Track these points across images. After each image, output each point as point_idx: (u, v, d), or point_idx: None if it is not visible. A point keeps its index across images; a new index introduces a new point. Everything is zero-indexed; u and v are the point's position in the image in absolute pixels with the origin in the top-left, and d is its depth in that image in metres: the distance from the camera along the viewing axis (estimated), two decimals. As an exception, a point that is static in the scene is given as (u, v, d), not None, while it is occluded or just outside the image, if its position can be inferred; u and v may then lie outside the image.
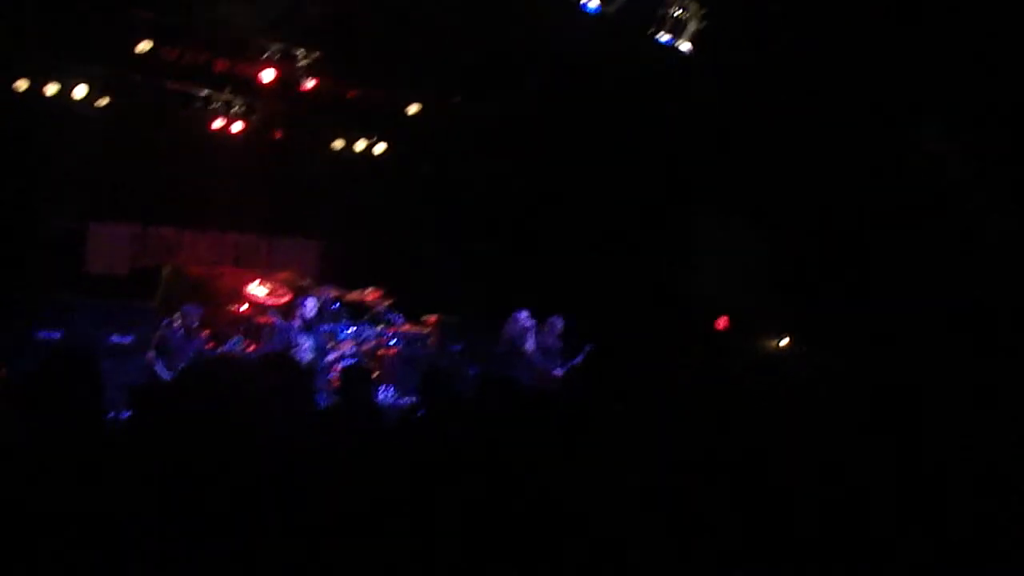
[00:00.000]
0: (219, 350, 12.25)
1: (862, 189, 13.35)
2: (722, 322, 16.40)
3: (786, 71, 13.07)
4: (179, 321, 12.00)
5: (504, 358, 13.44)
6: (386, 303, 14.64)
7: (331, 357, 12.90)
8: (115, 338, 13.26)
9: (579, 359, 13.47)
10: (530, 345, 13.05)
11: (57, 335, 12.85)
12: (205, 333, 13.17)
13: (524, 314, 13.07)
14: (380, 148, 17.36)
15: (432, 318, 15.57)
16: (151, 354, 11.71)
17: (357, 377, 6.89)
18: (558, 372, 13.22)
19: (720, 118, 14.07)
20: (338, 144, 17.18)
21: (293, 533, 3.71)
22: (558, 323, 13.77)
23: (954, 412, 5.12)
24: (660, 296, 15.30)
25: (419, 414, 6.26)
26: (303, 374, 5.62)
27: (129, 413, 6.34)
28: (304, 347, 12.20)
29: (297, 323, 12.57)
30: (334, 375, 12.91)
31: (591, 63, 14.03)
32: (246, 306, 14.36)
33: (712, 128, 14.31)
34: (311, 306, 12.64)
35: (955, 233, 12.44)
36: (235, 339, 12.52)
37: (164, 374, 11.51)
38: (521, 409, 5.65)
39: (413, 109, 16.45)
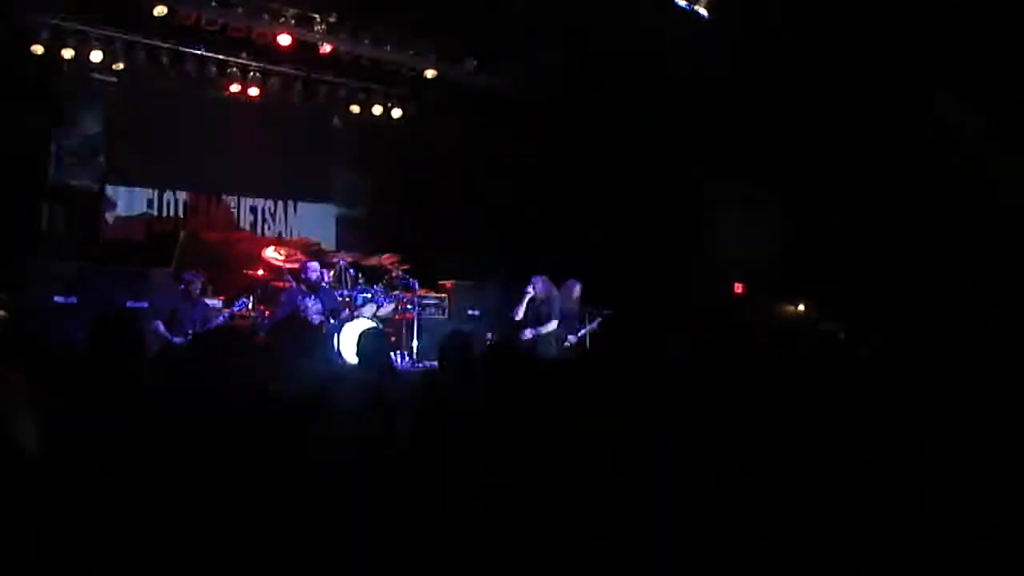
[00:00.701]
0: (226, 312, 12.29)
1: (878, 157, 13.31)
2: (739, 288, 16.40)
3: (803, 37, 13.02)
4: (182, 288, 12.08)
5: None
6: (402, 269, 14.64)
7: (345, 316, 12.93)
8: (131, 303, 13.28)
9: (595, 324, 13.50)
10: (517, 314, 13.06)
11: (73, 300, 12.89)
12: (221, 298, 13.26)
13: (537, 279, 13.07)
14: (397, 113, 17.31)
15: (448, 284, 15.57)
16: (158, 322, 11.79)
17: (374, 339, 6.89)
18: (573, 337, 13.22)
19: (737, 83, 14.02)
20: (355, 109, 17.14)
21: (311, 491, 3.71)
22: (575, 287, 13.76)
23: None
24: (677, 261, 15.28)
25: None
26: (317, 336, 5.61)
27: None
28: (312, 310, 12.22)
29: (302, 287, 12.62)
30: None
31: (608, 29, 13.98)
32: (262, 271, 14.37)
33: (729, 94, 14.26)
34: (313, 269, 12.67)
35: (970, 200, 12.43)
36: (241, 301, 12.54)
37: (172, 340, 11.64)
38: (530, 375, 5.63)
39: (430, 74, 16.40)
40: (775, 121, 14.06)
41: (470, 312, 15.30)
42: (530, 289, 12.83)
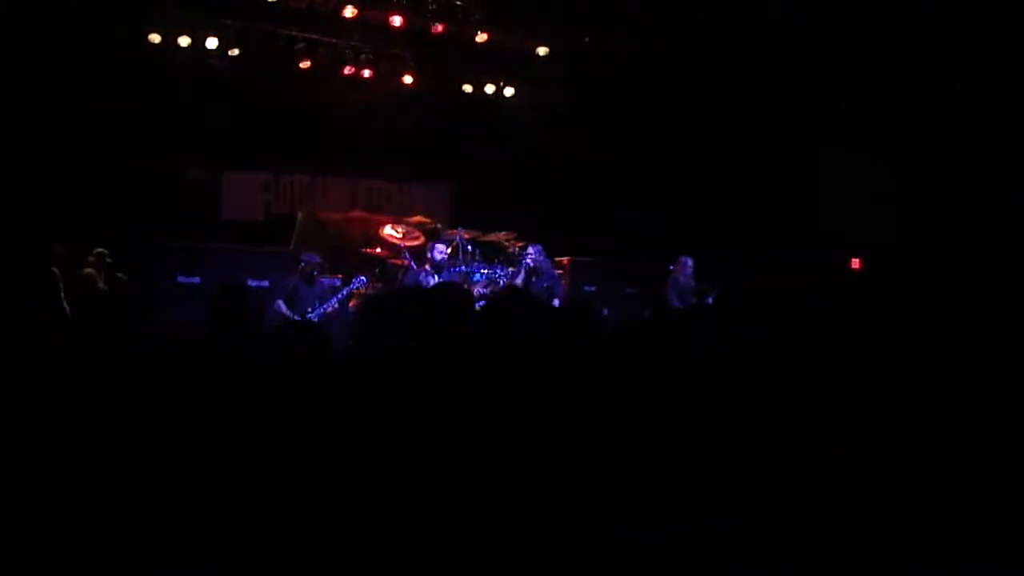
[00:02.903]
0: (344, 290, 12.42)
1: (997, 123, 12.98)
2: (856, 263, 16.16)
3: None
4: (301, 267, 12.23)
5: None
6: (518, 245, 14.65)
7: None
8: (252, 282, 13.49)
9: (711, 298, 13.44)
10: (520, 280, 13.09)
11: (196, 280, 13.15)
12: (339, 276, 13.43)
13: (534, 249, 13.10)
14: (509, 91, 17.33)
15: (565, 260, 15.55)
16: (279, 301, 11.97)
17: (506, 304, 6.82)
18: (692, 313, 13.18)
19: (847, 49, 13.79)
20: (468, 88, 17.20)
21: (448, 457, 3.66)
22: (689, 262, 13.75)
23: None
24: (793, 235, 15.10)
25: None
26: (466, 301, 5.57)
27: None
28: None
29: (426, 267, 12.72)
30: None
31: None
32: (380, 249, 14.49)
33: (840, 62, 14.04)
34: (440, 251, 12.76)
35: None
36: (359, 278, 12.67)
37: (292, 318, 11.81)
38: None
39: (542, 51, 16.38)
40: (892, 87, 13.81)
41: (586, 288, 15.28)
42: (528, 260, 12.87)
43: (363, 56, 16.11)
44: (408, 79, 16.54)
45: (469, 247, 14.30)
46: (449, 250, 13.76)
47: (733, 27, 14.48)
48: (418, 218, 16.00)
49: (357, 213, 16.70)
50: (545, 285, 12.96)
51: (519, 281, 12.97)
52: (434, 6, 15.13)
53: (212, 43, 15.05)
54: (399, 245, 14.11)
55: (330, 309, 11.97)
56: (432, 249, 12.80)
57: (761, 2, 13.55)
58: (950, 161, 13.60)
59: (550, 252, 14.99)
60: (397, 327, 4.20)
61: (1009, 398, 4.31)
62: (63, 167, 13.68)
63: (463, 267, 13.87)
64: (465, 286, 13.17)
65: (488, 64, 16.97)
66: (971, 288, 12.43)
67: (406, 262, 13.47)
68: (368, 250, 14.54)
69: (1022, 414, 4.17)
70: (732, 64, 15.15)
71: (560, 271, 15.39)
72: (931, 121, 13.51)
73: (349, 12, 15.09)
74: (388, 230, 14.52)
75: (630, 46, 15.95)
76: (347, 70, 16.08)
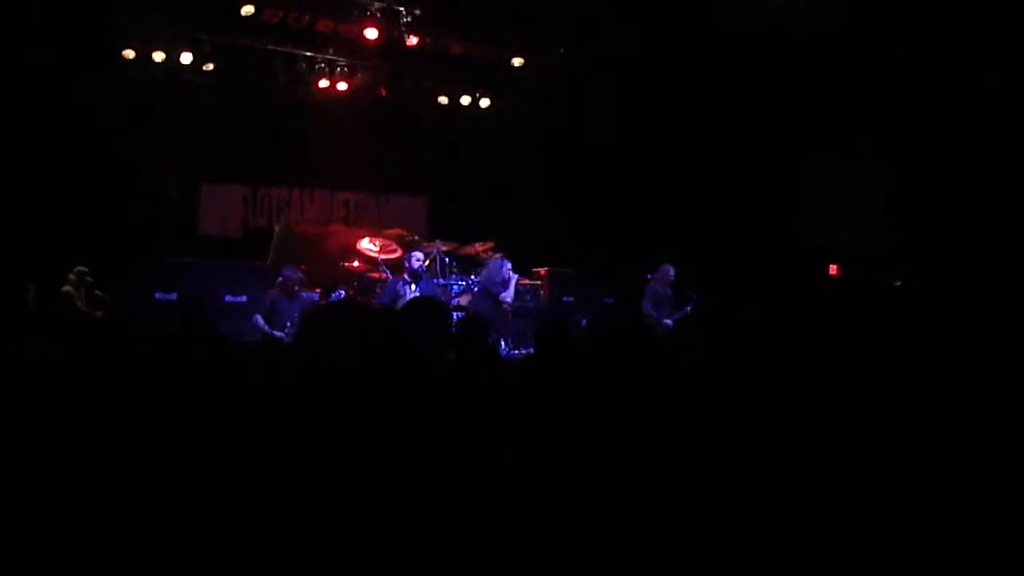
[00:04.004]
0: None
1: (982, 127, 12.99)
2: (833, 269, 16.19)
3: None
4: (280, 285, 12.20)
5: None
6: (496, 256, 14.68)
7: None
8: (229, 298, 13.49)
9: (688, 309, 13.46)
10: (508, 296, 13.14)
11: (173, 296, 13.12)
12: (318, 290, 13.43)
13: (507, 265, 13.17)
14: (485, 103, 17.37)
15: (542, 271, 15.59)
16: (257, 316, 11.94)
17: (475, 326, 6.85)
18: (669, 321, 13.20)
19: (834, 53, 13.80)
20: (443, 100, 17.22)
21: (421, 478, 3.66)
22: (669, 271, 13.74)
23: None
24: (773, 240, 15.10)
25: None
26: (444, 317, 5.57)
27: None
28: (409, 298, 12.29)
29: (403, 276, 12.73)
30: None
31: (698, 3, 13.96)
32: (358, 262, 14.50)
33: (825, 65, 14.05)
34: (417, 259, 12.77)
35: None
36: (338, 292, 12.70)
37: (272, 333, 11.77)
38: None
39: (517, 62, 16.41)
40: (883, 91, 13.81)
41: (564, 299, 15.31)
42: (513, 274, 13.02)
43: (338, 69, 16.11)
44: (384, 91, 16.54)
45: (447, 259, 14.33)
46: (427, 262, 13.80)
47: (712, 33, 14.49)
48: (395, 231, 16.01)
49: (334, 227, 16.73)
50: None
51: (509, 296, 13.03)
52: (408, 19, 15.11)
53: (187, 58, 15.00)
54: (376, 258, 14.13)
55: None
56: (409, 258, 12.83)
57: (745, 6, 13.55)
58: (941, 165, 13.61)
59: (527, 264, 15.09)
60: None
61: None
62: (39, 183, 13.65)
63: (441, 279, 13.90)
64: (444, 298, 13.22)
65: (463, 76, 17.00)
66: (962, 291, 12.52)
67: (384, 275, 13.48)
68: (346, 264, 14.56)
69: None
70: (712, 72, 15.17)
71: (538, 282, 15.46)
72: (923, 125, 13.52)
73: (324, 25, 15.12)
74: (365, 243, 14.53)
75: (606, 55, 15.97)
76: (322, 83, 16.07)
